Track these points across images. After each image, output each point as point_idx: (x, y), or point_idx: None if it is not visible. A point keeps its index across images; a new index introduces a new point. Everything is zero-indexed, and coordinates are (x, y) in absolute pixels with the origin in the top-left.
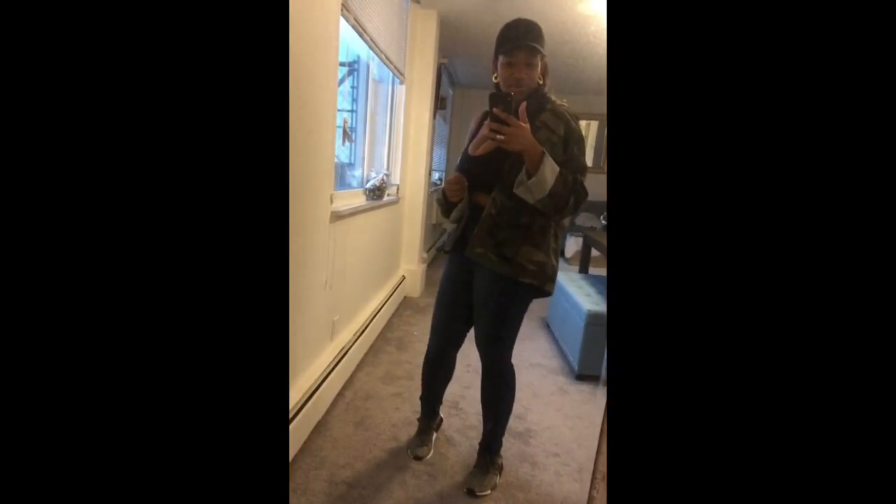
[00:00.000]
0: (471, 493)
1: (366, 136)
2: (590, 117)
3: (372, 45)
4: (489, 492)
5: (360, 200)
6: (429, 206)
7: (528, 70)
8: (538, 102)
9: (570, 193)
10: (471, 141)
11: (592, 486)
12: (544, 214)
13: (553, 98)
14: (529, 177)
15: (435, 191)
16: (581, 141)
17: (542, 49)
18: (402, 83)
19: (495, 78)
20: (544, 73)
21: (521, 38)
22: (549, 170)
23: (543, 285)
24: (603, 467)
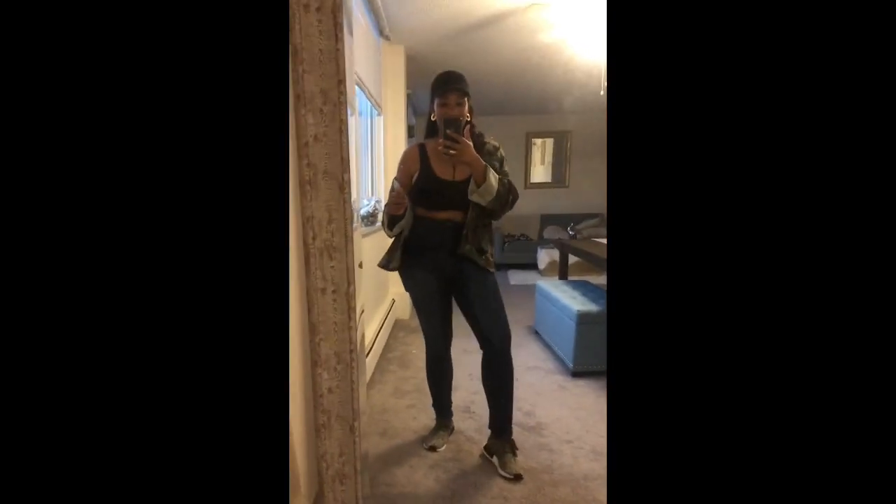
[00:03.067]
0: (518, 477)
1: (357, 167)
2: (546, 135)
3: (360, 83)
4: (521, 471)
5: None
6: None
7: (458, 108)
8: (477, 139)
9: (508, 193)
10: (423, 165)
11: None
12: (490, 214)
13: (482, 135)
14: (478, 185)
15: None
16: (505, 161)
17: (468, 91)
18: (379, 114)
19: (432, 117)
20: (471, 112)
21: (451, 84)
22: (493, 177)
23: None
24: None
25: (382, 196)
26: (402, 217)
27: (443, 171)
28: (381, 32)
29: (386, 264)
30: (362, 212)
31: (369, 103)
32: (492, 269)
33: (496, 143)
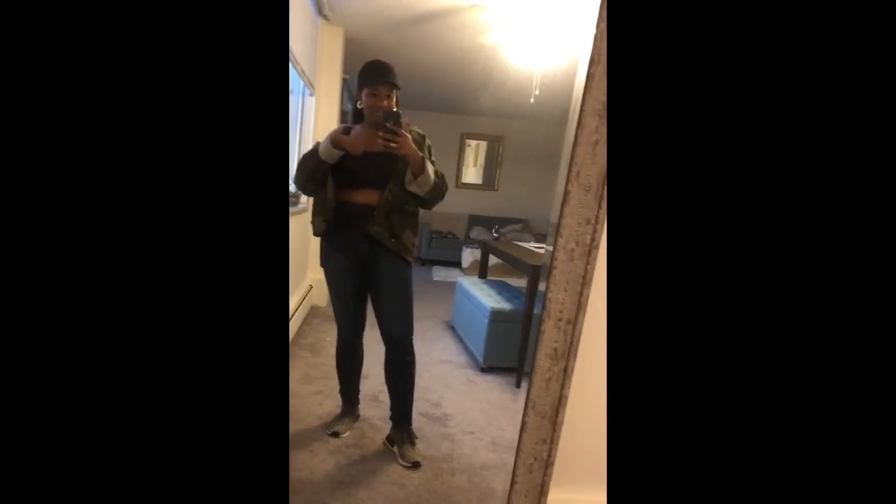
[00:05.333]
0: (416, 464)
1: None
2: (480, 138)
3: (293, 59)
4: (420, 459)
5: None
6: None
7: (388, 101)
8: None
9: (442, 184)
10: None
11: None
12: (422, 204)
13: (408, 124)
14: (416, 176)
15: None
16: (432, 152)
17: (398, 85)
18: (312, 95)
19: (359, 105)
20: (397, 105)
21: (382, 76)
22: (430, 169)
23: (413, 261)
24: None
25: None
26: (319, 175)
27: (357, 147)
28: (319, 11)
29: (321, 230)
30: None
31: (301, 82)
32: (408, 258)
33: (421, 132)
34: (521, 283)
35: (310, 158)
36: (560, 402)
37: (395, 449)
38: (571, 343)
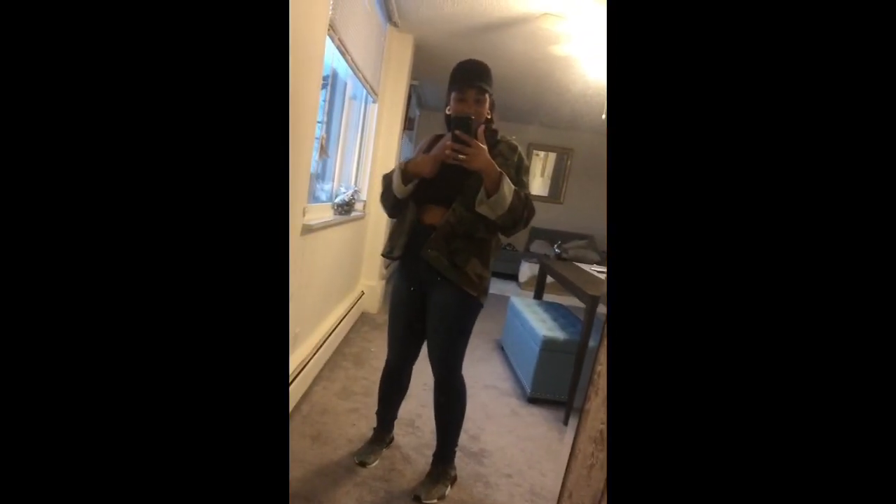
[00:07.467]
0: (417, 499)
1: (338, 151)
2: (549, 149)
3: (353, 65)
4: (436, 501)
5: (328, 214)
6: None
7: (476, 106)
8: (491, 137)
9: (524, 209)
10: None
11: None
12: (499, 230)
13: (497, 131)
14: (489, 195)
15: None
16: (526, 170)
17: (489, 89)
18: (374, 101)
19: (448, 111)
20: (492, 109)
21: (471, 79)
22: (507, 188)
23: (480, 297)
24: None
25: (364, 188)
26: (402, 201)
27: (429, 166)
28: (389, 18)
29: (388, 252)
30: (338, 200)
31: (364, 89)
32: (471, 291)
33: (514, 143)
34: (578, 303)
35: (388, 189)
36: (602, 494)
37: (425, 482)
38: None
